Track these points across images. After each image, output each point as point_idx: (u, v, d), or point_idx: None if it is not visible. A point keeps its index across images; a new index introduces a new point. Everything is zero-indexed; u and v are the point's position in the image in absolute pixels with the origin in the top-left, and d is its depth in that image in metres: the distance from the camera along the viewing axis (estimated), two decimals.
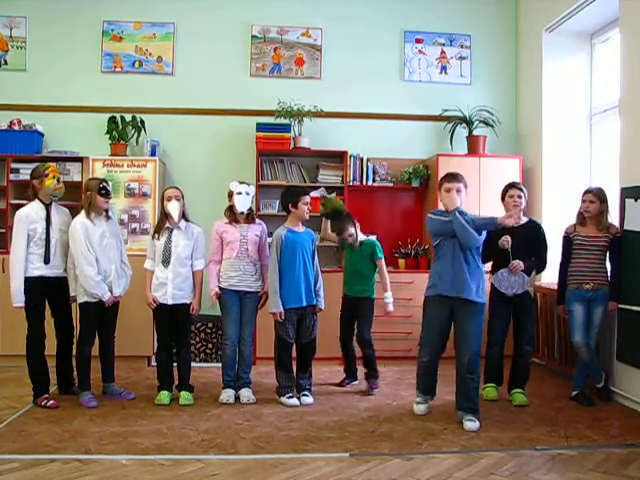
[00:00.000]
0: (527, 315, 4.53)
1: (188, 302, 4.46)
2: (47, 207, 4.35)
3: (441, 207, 4.23)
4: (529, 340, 4.55)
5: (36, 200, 4.36)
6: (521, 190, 4.56)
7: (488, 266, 4.51)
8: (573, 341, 4.50)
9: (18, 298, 4.21)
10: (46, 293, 4.33)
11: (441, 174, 5.66)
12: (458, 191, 4.06)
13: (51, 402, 4.26)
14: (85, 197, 4.33)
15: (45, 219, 4.31)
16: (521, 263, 4.32)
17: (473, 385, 3.93)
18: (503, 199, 4.62)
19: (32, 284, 4.25)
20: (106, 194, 4.36)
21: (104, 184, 4.38)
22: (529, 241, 4.43)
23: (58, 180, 4.36)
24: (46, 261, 4.28)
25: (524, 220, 4.52)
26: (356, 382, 4.89)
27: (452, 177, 4.13)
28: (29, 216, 4.27)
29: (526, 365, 4.54)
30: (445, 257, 4.01)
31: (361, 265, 4.77)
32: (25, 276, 4.24)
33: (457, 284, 3.95)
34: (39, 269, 4.27)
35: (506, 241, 4.31)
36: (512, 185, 4.61)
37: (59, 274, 4.36)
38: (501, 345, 4.55)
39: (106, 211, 4.43)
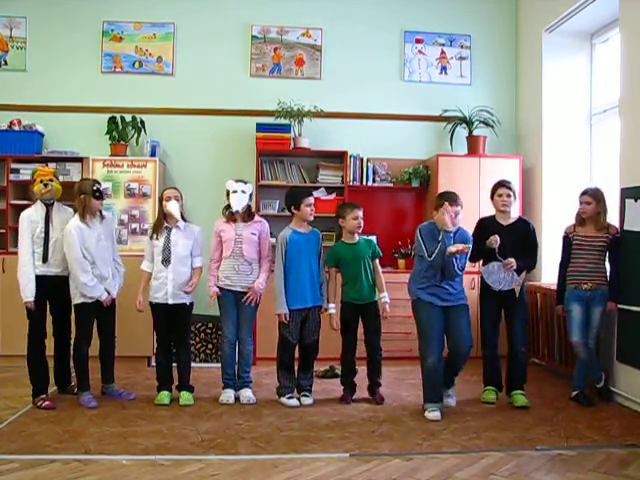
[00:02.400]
0: (517, 316, 4.46)
1: (187, 302, 4.46)
2: (48, 207, 4.36)
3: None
4: (522, 341, 4.47)
5: (38, 201, 4.38)
6: (510, 189, 4.50)
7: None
8: (571, 341, 4.50)
9: (26, 294, 4.23)
10: (46, 292, 4.33)
11: (441, 174, 5.79)
12: (456, 214, 4.16)
13: (46, 403, 4.26)
14: (79, 200, 4.29)
15: (45, 219, 4.32)
16: (514, 262, 4.32)
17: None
18: (492, 197, 4.58)
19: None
20: (100, 196, 4.33)
21: (97, 186, 4.34)
22: (519, 239, 4.45)
23: (45, 184, 4.32)
24: (44, 260, 4.29)
25: (514, 218, 4.57)
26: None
27: (452, 200, 4.17)
28: (30, 216, 4.32)
29: (522, 366, 4.49)
30: (430, 270, 4.16)
31: (367, 266, 4.47)
32: None
33: (448, 292, 4.18)
34: (38, 268, 4.28)
35: (494, 240, 4.31)
36: (501, 184, 4.54)
37: (58, 273, 4.35)
38: (494, 345, 4.50)
39: (100, 211, 4.41)
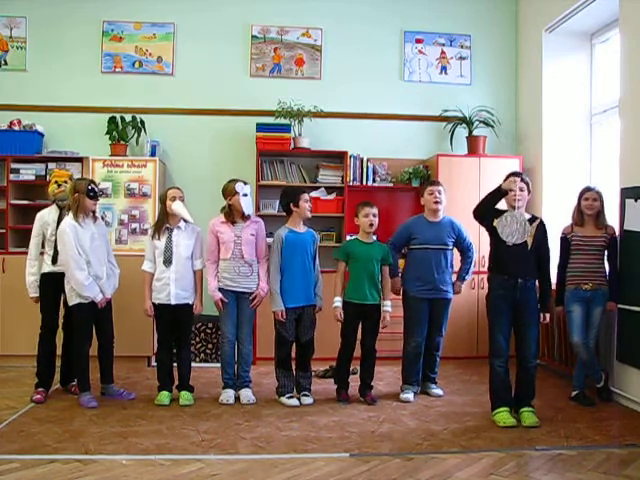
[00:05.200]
0: (531, 322, 4.02)
1: (190, 302, 4.46)
2: (62, 210, 4.42)
3: (425, 214, 4.72)
4: (535, 353, 4.04)
5: (55, 203, 4.48)
6: (523, 181, 4.04)
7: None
8: (572, 341, 4.50)
9: (30, 290, 4.43)
10: (57, 289, 4.40)
11: (441, 174, 5.79)
12: (439, 193, 4.62)
13: (36, 397, 4.32)
14: (73, 199, 4.29)
15: (57, 221, 4.37)
16: (548, 317, 4.12)
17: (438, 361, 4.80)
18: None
19: (43, 280, 4.41)
20: (94, 196, 4.33)
21: (92, 186, 4.34)
22: (536, 239, 4.04)
23: (59, 185, 4.43)
24: (53, 261, 4.37)
25: (527, 217, 4.07)
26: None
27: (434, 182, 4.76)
28: (42, 217, 4.46)
29: (532, 380, 4.07)
30: (424, 262, 4.57)
31: (375, 269, 4.45)
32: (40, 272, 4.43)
33: (437, 288, 4.58)
34: (48, 267, 4.40)
35: (512, 181, 3.94)
36: (515, 175, 4.07)
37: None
38: (506, 357, 4.01)
39: (93, 212, 4.41)
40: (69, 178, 4.51)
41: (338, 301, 4.44)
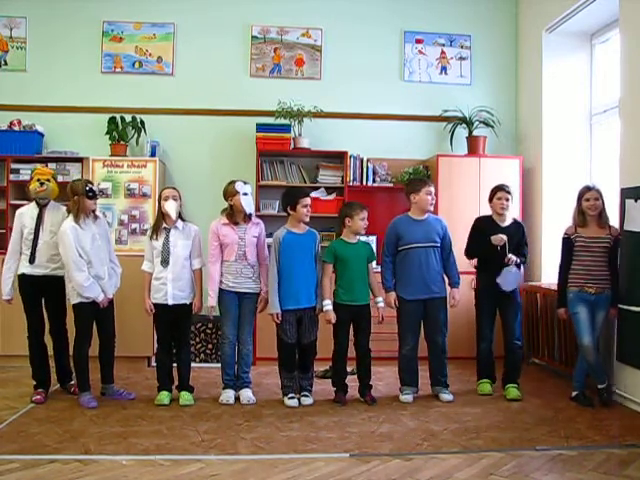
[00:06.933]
0: (512, 311, 4.66)
1: (188, 302, 4.46)
2: (42, 208, 4.40)
3: (411, 213, 4.65)
4: (518, 335, 4.68)
5: (34, 201, 4.43)
6: (509, 193, 4.67)
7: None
8: (582, 345, 4.38)
9: (4, 291, 4.41)
10: (37, 291, 4.38)
11: (441, 174, 5.79)
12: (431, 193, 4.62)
13: (36, 397, 4.32)
14: (73, 201, 4.28)
15: (36, 220, 4.35)
16: (514, 258, 4.59)
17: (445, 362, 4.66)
18: (491, 200, 4.73)
19: (21, 282, 4.39)
20: (93, 196, 4.32)
21: (90, 186, 4.33)
22: (516, 240, 4.66)
23: (42, 183, 4.37)
24: (31, 260, 4.34)
25: (510, 221, 4.74)
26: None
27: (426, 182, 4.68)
28: (21, 215, 4.42)
29: (518, 360, 4.70)
30: (413, 262, 4.50)
31: (364, 268, 4.50)
32: (17, 273, 4.40)
33: (429, 287, 4.51)
34: (26, 267, 4.37)
35: (500, 238, 4.54)
36: (500, 188, 4.70)
37: (46, 273, 4.38)
38: (490, 340, 4.71)
39: (93, 211, 4.40)
40: (52, 176, 4.47)
41: (328, 304, 4.41)
